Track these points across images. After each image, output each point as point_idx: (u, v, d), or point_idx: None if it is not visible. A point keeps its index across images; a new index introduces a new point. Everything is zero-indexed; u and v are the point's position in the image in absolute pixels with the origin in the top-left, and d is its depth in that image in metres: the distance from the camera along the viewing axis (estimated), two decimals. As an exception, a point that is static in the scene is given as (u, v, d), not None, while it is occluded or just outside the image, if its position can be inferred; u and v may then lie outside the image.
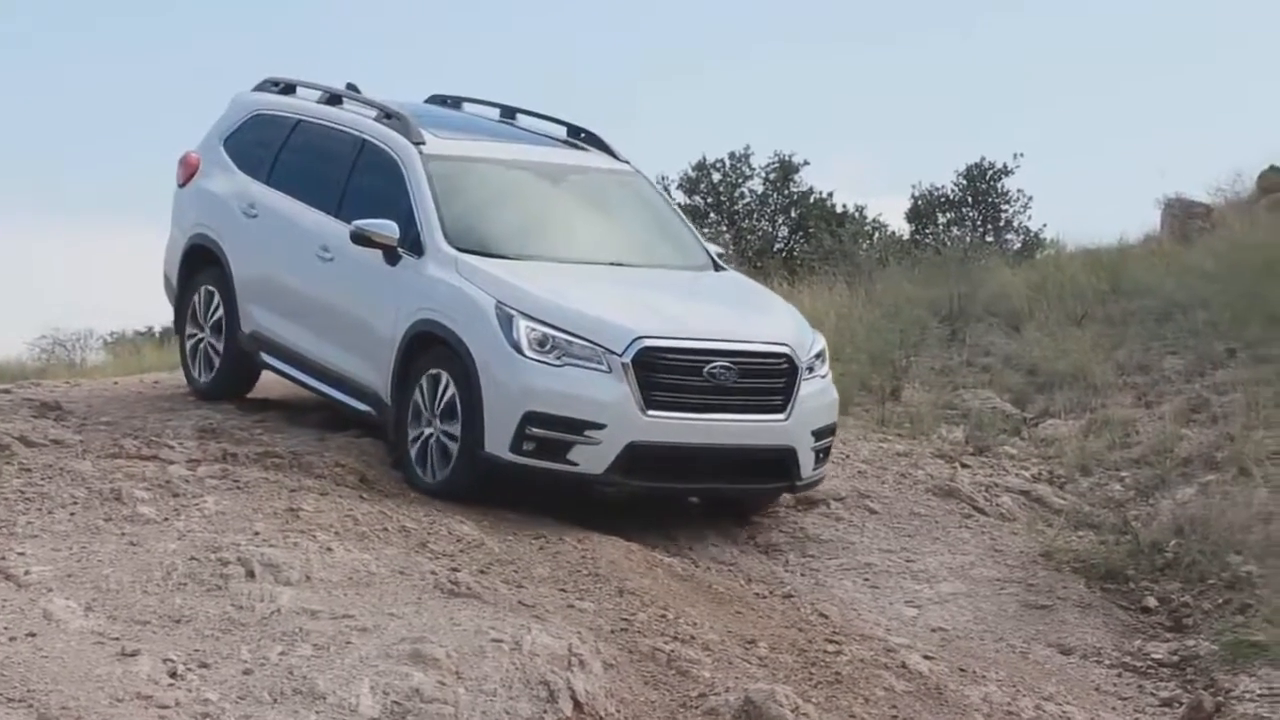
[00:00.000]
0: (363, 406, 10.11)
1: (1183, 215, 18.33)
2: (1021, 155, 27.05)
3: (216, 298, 11.20)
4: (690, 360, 9.31)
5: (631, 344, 9.23)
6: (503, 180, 10.54)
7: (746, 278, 11.21)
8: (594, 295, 9.62)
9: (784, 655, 7.83)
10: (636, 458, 9.24)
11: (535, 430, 9.18)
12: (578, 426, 9.18)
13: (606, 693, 6.93)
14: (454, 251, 9.77)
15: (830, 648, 8.05)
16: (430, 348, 9.62)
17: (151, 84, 58.90)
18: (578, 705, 6.75)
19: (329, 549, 7.95)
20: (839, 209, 27.07)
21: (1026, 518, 10.76)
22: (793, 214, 27.53)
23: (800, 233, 26.95)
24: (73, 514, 8.29)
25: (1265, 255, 14.65)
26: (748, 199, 27.77)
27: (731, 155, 27.94)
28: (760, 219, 27.60)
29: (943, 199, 26.81)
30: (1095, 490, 11.18)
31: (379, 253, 9.95)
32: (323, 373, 10.45)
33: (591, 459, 9.22)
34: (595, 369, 9.23)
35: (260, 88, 11.78)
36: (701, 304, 10.10)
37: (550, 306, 9.38)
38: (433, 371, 9.55)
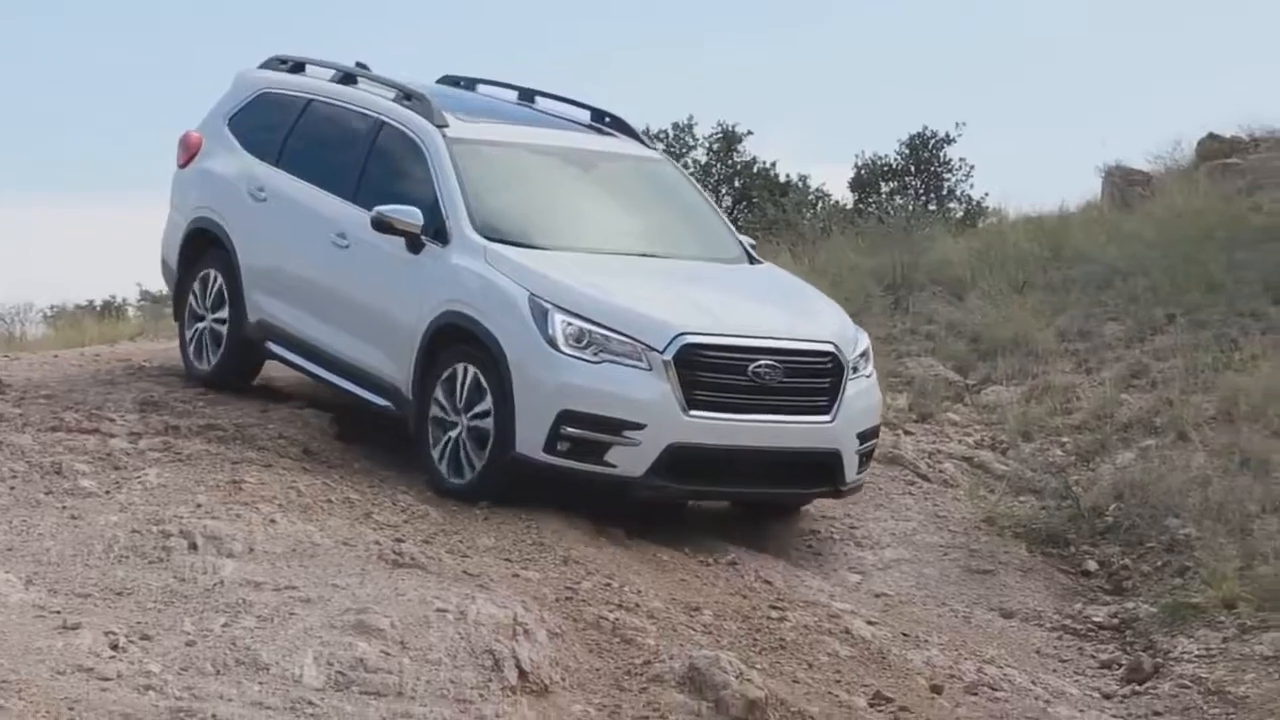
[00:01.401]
0: (380, 401, 9.70)
1: (1123, 183, 18.40)
2: (963, 124, 27.07)
3: (220, 283, 10.70)
4: (734, 358, 8.92)
5: (673, 341, 8.83)
6: (530, 166, 10.14)
7: (785, 272, 10.75)
8: (632, 289, 9.20)
9: (728, 622, 7.86)
10: (677, 460, 8.85)
11: (571, 430, 8.78)
12: (616, 426, 8.78)
13: (551, 661, 6.94)
14: (482, 240, 9.34)
15: (774, 614, 8.09)
16: (457, 341, 9.21)
17: (95, 62, 58.33)
18: (523, 674, 6.75)
19: (272, 521, 7.92)
20: (782, 179, 27.06)
21: (969, 484, 10.83)
22: (736, 184, 27.49)
23: (744, 203, 26.92)
24: (13, 488, 8.25)
25: (1204, 222, 14.77)
26: (691, 169, 27.73)
27: (675, 126, 27.86)
28: (704, 189, 27.57)
29: (885, 168, 26.79)
30: (1037, 456, 11.27)
31: (400, 240, 9.51)
32: (336, 364, 10.01)
33: (630, 461, 8.82)
34: (635, 366, 8.83)
35: (267, 65, 11.28)
36: (743, 299, 9.66)
37: (587, 300, 8.98)
38: (459, 366, 9.14)
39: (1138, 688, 8.26)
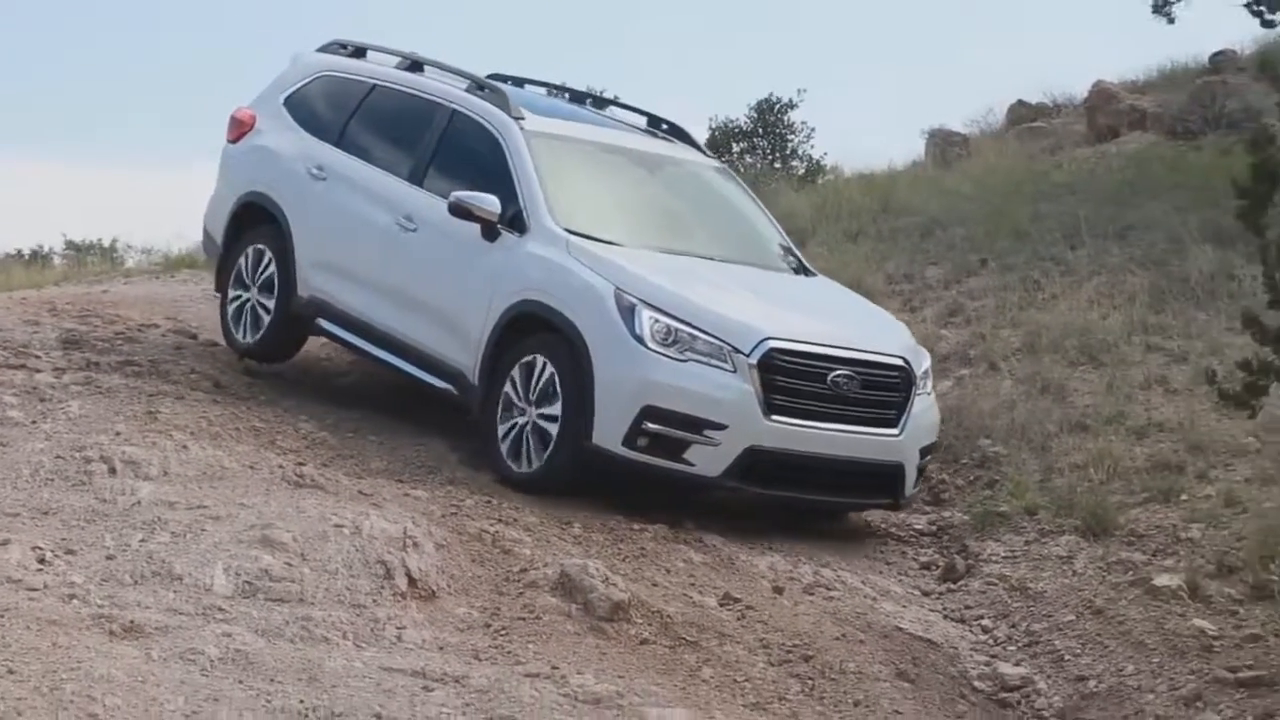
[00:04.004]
0: (441, 383, 8.92)
1: (943, 144, 18.60)
2: (804, 91, 27.22)
3: (268, 257, 9.86)
4: (815, 366, 8.33)
5: (759, 344, 8.22)
6: (602, 164, 9.48)
7: (839, 285, 10.04)
8: (715, 291, 8.57)
9: (595, 534, 7.91)
10: (755, 463, 8.25)
11: (652, 426, 8.13)
12: (698, 425, 8.15)
13: (438, 569, 6.96)
14: (563, 232, 8.64)
15: (636, 527, 8.15)
16: (531, 329, 8.50)
17: (44, 19, 56.61)
18: (412, 581, 6.76)
19: (185, 447, 7.84)
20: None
21: (807, 410, 10.89)
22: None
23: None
24: (-55, 420, 8.08)
25: (1013, 178, 14.99)
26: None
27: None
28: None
29: (736, 130, 26.86)
30: (867, 385, 11.36)
31: (474, 227, 8.76)
32: (394, 344, 9.21)
33: (709, 460, 8.21)
34: (719, 367, 8.19)
35: (326, 49, 10.46)
36: (815, 309, 9.02)
37: (675, 298, 8.31)
38: (532, 356, 8.43)
39: (952, 585, 8.43)
